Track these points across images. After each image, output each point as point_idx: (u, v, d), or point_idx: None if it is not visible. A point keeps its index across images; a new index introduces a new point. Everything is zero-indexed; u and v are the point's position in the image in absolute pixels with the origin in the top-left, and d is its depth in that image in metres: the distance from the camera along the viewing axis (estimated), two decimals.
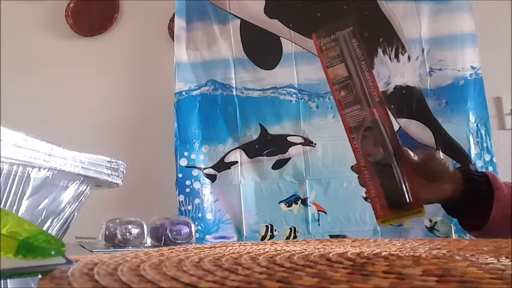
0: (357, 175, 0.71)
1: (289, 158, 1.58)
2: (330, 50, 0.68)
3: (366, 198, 1.49)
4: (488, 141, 1.47)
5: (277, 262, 0.31)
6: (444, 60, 1.53)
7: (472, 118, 1.49)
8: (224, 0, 1.69)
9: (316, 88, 1.59)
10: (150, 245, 0.99)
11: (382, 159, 0.67)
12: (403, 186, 0.66)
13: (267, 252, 0.38)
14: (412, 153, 0.69)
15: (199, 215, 1.55)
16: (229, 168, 1.60)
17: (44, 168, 0.63)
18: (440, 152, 1.48)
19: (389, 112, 0.69)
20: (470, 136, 1.48)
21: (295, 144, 1.58)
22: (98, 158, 0.74)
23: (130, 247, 0.94)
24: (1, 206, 0.58)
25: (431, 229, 1.45)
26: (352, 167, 0.72)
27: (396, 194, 0.66)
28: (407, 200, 0.66)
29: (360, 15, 1.60)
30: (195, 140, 1.62)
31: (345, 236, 1.46)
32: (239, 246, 0.46)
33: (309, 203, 1.54)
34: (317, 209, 1.53)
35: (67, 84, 1.90)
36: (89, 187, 0.75)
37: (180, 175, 1.58)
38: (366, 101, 0.67)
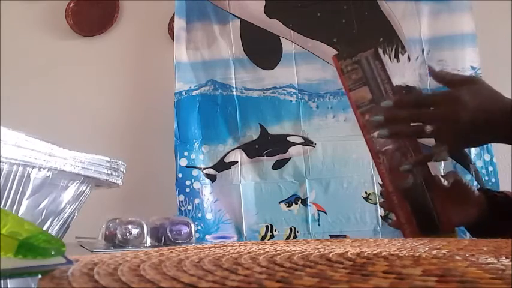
0: (380, 203, 0.70)
1: (289, 158, 1.58)
2: (351, 73, 0.66)
3: (366, 198, 1.49)
4: None
5: (277, 262, 0.31)
6: (444, 60, 1.53)
7: None
8: (224, 0, 1.69)
9: (316, 88, 1.59)
10: (150, 245, 0.99)
11: (412, 185, 0.65)
12: (434, 211, 0.66)
13: (267, 252, 0.38)
14: (442, 179, 0.69)
15: (199, 215, 1.55)
16: (229, 168, 1.60)
17: (44, 168, 0.63)
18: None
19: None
20: None
21: (295, 144, 1.58)
22: (98, 158, 0.74)
23: (130, 247, 0.94)
24: (1, 206, 0.58)
25: None
26: (381, 192, 0.71)
27: (428, 219, 0.65)
28: (439, 225, 0.65)
29: (360, 15, 1.60)
30: (195, 140, 1.62)
31: (345, 236, 1.46)
32: (239, 246, 0.46)
33: (309, 203, 1.54)
34: (317, 209, 1.53)
35: (67, 84, 1.90)
36: (89, 187, 0.75)
37: (180, 175, 1.58)
38: None
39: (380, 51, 0.65)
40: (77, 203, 0.74)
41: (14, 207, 0.61)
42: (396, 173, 0.65)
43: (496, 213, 0.72)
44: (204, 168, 1.61)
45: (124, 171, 0.80)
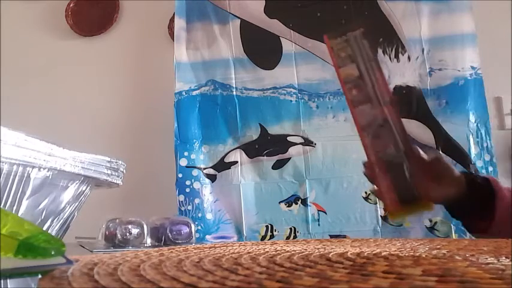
0: (363, 171, 0.73)
1: (289, 158, 1.58)
2: (341, 51, 0.70)
3: (366, 198, 1.49)
4: (488, 141, 1.47)
5: (277, 262, 0.31)
6: (444, 60, 1.53)
7: (472, 118, 1.49)
8: (224, 0, 1.69)
9: (316, 88, 1.59)
10: (150, 245, 0.99)
11: (393, 156, 0.69)
12: (413, 182, 0.69)
13: (267, 252, 0.38)
14: (421, 151, 0.73)
15: (199, 215, 1.55)
16: (229, 168, 1.60)
17: (44, 168, 0.63)
18: (440, 152, 1.48)
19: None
20: (470, 136, 1.48)
21: (295, 144, 1.58)
22: (98, 158, 0.74)
23: (130, 247, 0.94)
24: (1, 206, 0.58)
25: (431, 229, 1.45)
26: (364, 163, 0.74)
27: (407, 189, 0.69)
28: (417, 195, 0.69)
29: (360, 15, 1.60)
30: (195, 140, 1.62)
31: (345, 236, 1.46)
32: (239, 246, 0.46)
33: (309, 203, 1.54)
34: (317, 209, 1.53)
35: (67, 84, 1.90)
36: (89, 187, 0.75)
37: (180, 175, 1.58)
38: (377, 100, 0.69)
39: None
40: (77, 203, 0.74)
41: (14, 207, 0.61)
42: (379, 144, 0.69)
43: (475, 195, 0.74)
44: (204, 168, 1.61)
45: (124, 171, 0.80)
